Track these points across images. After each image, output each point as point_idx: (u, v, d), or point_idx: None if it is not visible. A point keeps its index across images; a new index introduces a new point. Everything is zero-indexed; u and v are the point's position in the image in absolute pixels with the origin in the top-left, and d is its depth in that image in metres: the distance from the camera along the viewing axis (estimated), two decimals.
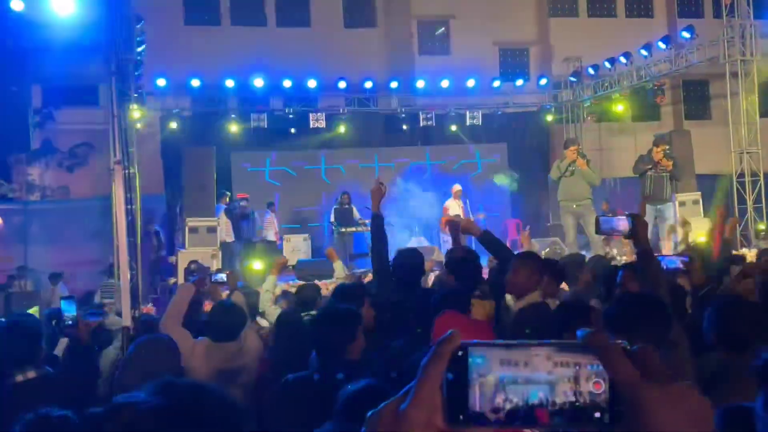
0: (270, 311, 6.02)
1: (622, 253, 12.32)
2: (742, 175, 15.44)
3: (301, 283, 9.17)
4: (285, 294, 7.09)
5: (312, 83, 17.60)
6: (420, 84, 18.53)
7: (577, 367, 0.73)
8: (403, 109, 18.55)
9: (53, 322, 4.18)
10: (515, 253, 5.01)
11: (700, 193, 14.95)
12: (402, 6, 21.19)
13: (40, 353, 3.44)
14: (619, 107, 18.51)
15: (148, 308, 10.04)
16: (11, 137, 11.84)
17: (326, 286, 7.76)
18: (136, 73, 13.98)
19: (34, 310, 8.48)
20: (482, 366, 0.74)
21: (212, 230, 13.91)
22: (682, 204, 14.30)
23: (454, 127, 18.80)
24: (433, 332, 3.36)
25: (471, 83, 18.63)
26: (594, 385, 0.73)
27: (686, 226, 9.65)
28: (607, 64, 18.08)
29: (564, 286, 5.53)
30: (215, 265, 12.86)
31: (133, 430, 1.22)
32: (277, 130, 17.80)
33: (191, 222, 13.85)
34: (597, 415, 0.72)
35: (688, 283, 4.86)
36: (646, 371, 0.72)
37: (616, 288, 3.94)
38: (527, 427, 0.73)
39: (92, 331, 4.49)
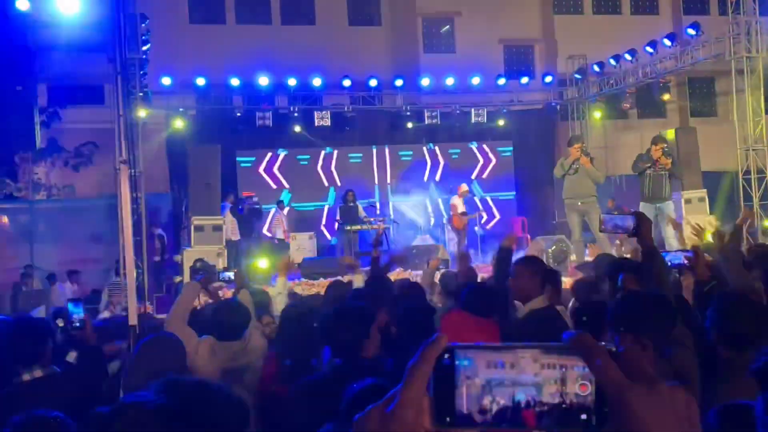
0: None
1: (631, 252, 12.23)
2: (748, 172, 15.42)
3: (330, 280, 8.93)
4: (293, 296, 7.08)
5: (317, 81, 17.61)
6: (425, 82, 18.52)
7: (564, 369, 0.74)
8: (408, 107, 18.50)
9: (58, 322, 4.20)
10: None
11: (705, 190, 14.92)
12: (407, 3, 21.15)
13: (48, 352, 3.45)
14: (625, 105, 18.45)
15: (148, 307, 10.06)
16: (17, 136, 11.86)
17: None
18: (141, 72, 14.01)
19: (41, 312, 8.52)
20: (469, 368, 0.75)
21: (218, 229, 13.93)
22: (687, 201, 14.26)
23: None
24: (438, 330, 3.38)
25: (476, 81, 18.59)
26: (580, 387, 0.73)
27: (677, 227, 9.58)
28: (613, 62, 18.02)
29: None
30: (221, 263, 12.90)
31: (140, 429, 1.24)
32: (282, 128, 17.82)
33: (197, 220, 13.86)
34: (583, 416, 0.73)
35: (692, 278, 4.84)
36: (632, 373, 0.72)
37: (618, 290, 3.94)
38: (514, 428, 0.74)
39: (99, 331, 4.51)
